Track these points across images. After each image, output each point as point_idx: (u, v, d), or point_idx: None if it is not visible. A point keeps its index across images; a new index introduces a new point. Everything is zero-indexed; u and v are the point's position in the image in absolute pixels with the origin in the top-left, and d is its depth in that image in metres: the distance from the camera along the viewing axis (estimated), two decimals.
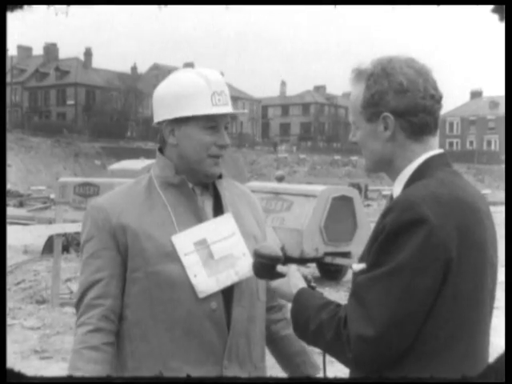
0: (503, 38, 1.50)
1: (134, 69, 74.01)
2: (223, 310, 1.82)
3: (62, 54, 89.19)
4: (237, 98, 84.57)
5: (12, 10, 1.65)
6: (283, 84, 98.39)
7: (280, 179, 14.38)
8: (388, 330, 1.45)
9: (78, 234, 11.92)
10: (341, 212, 9.92)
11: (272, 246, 1.78)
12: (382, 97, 1.59)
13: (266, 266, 1.74)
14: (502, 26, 1.47)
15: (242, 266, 1.87)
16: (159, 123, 1.89)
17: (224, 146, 1.87)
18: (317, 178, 44.49)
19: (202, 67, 1.93)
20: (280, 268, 1.74)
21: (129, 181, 1.98)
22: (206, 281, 1.82)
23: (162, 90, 1.87)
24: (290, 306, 1.71)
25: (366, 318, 1.46)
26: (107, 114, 66.33)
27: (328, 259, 9.89)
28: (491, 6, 1.52)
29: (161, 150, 1.93)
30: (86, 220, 1.88)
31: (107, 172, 16.87)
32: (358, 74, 1.65)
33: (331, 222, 9.82)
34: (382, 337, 1.44)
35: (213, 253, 1.86)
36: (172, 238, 1.83)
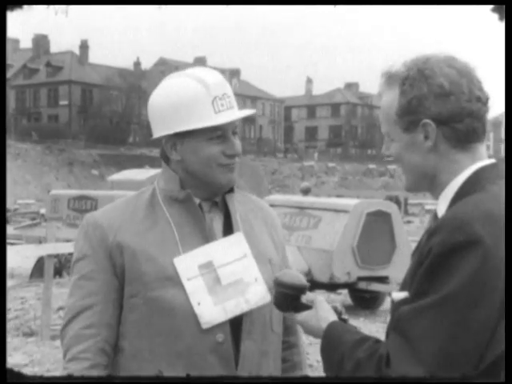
0: (503, 39, 1.59)
1: (137, 64, 74.68)
2: (231, 344, 1.82)
3: (54, 47, 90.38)
4: (255, 97, 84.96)
5: (12, 10, 1.76)
6: (309, 81, 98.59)
7: (306, 192, 14.37)
8: (440, 369, 1.44)
9: (72, 255, 11.92)
10: (377, 230, 9.87)
11: (295, 273, 1.76)
12: (421, 102, 1.58)
13: (290, 297, 1.73)
14: (502, 25, 1.57)
15: (254, 293, 1.86)
16: (159, 137, 1.91)
17: (234, 155, 1.88)
18: (348, 191, 44.40)
19: (201, 67, 1.93)
20: (306, 298, 1.73)
21: (131, 194, 1.99)
22: (211, 309, 1.81)
23: (156, 101, 1.89)
24: (301, 338, 1.68)
25: (413, 356, 1.45)
26: (106, 117, 66.95)
27: (362, 285, 9.83)
28: (491, 6, 1.63)
29: (167, 159, 1.95)
30: (80, 237, 1.89)
31: (106, 183, 17.00)
32: (390, 78, 1.64)
33: (365, 242, 9.77)
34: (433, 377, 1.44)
35: (220, 277, 1.86)
36: (174, 260, 1.83)
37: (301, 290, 1.73)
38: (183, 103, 1.83)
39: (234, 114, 1.86)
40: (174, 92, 1.85)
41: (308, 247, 9.96)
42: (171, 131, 1.85)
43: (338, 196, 28.79)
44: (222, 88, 1.86)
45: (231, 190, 1.95)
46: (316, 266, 9.79)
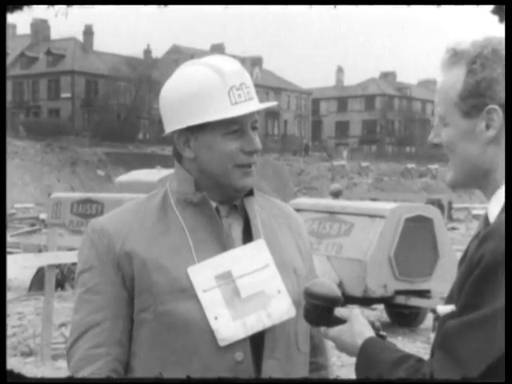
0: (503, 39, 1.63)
1: (147, 52, 75.02)
2: (251, 363, 1.82)
3: (55, 33, 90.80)
4: (279, 89, 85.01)
5: (12, 10, 1.85)
6: (340, 70, 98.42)
7: (336, 194, 14.34)
8: None
9: (75, 265, 12.05)
10: (417, 238, 9.83)
11: (328, 282, 1.77)
12: (491, 85, 1.57)
13: (321, 310, 1.73)
14: (502, 26, 1.64)
15: (277, 307, 1.86)
16: (171, 133, 1.92)
17: (253, 151, 1.88)
18: (384, 193, 44.24)
19: (217, 55, 1.94)
20: (339, 311, 1.73)
21: (141, 196, 2.00)
22: (229, 325, 1.82)
23: (167, 92, 1.90)
24: (330, 359, 1.68)
25: (460, 376, 1.44)
26: (113, 111, 67.32)
27: (400, 300, 9.79)
28: (491, 7, 1.70)
29: (180, 158, 1.95)
30: (85, 245, 1.91)
31: (113, 185, 17.09)
32: (455, 56, 1.63)
33: (404, 251, 9.74)
34: None
35: (239, 289, 1.86)
36: (189, 269, 1.83)
37: (334, 301, 1.73)
38: (195, 94, 1.84)
39: (253, 105, 1.87)
40: (185, 82, 1.86)
41: (339, 257, 9.94)
42: (183, 125, 1.86)
43: (373, 199, 28.68)
44: (239, 77, 1.87)
45: (250, 193, 1.96)
46: (348, 278, 9.76)
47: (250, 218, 1.94)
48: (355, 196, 33.94)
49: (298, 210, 2.14)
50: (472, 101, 1.59)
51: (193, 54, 75.95)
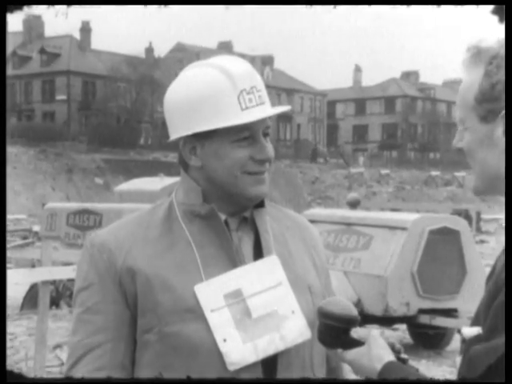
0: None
1: (149, 51, 75.27)
2: None
3: (49, 30, 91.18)
4: (292, 90, 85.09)
5: (12, 10, 1.94)
6: (358, 70, 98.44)
7: (354, 204, 14.31)
8: None
9: (71, 281, 12.07)
10: (442, 251, 9.81)
11: (344, 301, 1.77)
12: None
13: (336, 331, 1.73)
14: (502, 27, 1.69)
15: (291, 329, 1.86)
16: (176, 139, 1.92)
17: (265, 160, 1.88)
18: (406, 203, 44.13)
19: (225, 55, 1.94)
20: (356, 332, 1.73)
21: (143, 207, 2.01)
22: (239, 348, 1.82)
23: (172, 95, 1.91)
24: None
25: None
26: (112, 114, 67.52)
27: (424, 319, 9.76)
28: (491, 7, 1.76)
29: (186, 166, 1.96)
30: (84, 261, 1.91)
31: (113, 195, 17.10)
32: (476, 55, 1.63)
33: (428, 266, 9.71)
34: None
35: (250, 309, 1.86)
36: (195, 287, 1.84)
37: (351, 322, 1.73)
38: (202, 98, 1.84)
39: (265, 110, 1.87)
40: (191, 85, 1.87)
41: (357, 272, 9.93)
42: (189, 132, 1.86)
43: (394, 210, 28.63)
44: (250, 80, 1.87)
45: (261, 204, 1.96)
46: (367, 296, 9.74)
47: (259, 232, 1.94)
48: (374, 206, 33.87)
49: (312, 222, 2.15)
50: (488, 105, 1.60)
51: (198, 53, 76.17)
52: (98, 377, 1.83)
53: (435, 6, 2.05)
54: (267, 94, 1.91)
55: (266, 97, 1.90)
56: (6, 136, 2.03)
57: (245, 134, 1.86)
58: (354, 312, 1.74)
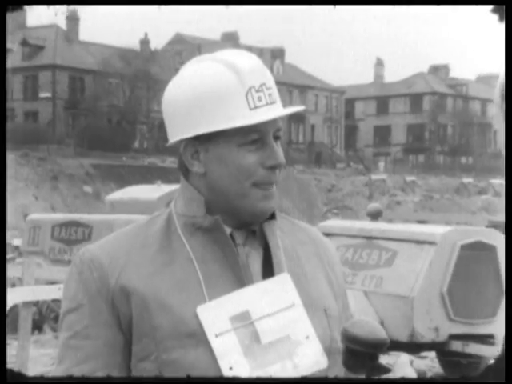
0: (503, 39, 1.76)
1: (144, 43, 75.45)
2: None
3: (32, 19, 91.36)
4: (305, 87, 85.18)
5: (12, 10, 2.03)
6: (379, 64, 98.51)
7: (375, 215, 14.30)
8: None
9: (57, 302, 12.06)
10: (476, 269, 9.78)
11: (370, 322, 1.78)
12: None
13: (362, 356, 1.74)
14: (502, 26, 1.79)
15: (305, 356, 1.87)
16: (176, 143, 1.93)
17: (276, 166, 1.89)
18: (434, 214, 44.01)
19: (230, 49, 1.95)
20: (383, 358, 1.74)
21: (137, 219, 2.01)
22: (247, 376, 1.82)
23: (172, 93, 1.92)
24: None
25: None
26: (103, 114, 67.63)
27: (456, 346, 9.72)
28: (491, 6, 1.87)
29: (186, 172, 1.97)
30: (71, 279, 1.92)
31: (104, 204, 17.13)
32: None
33: (460, 286, 9.68)
34: None
35: (259, 334, 1.86)
36: (198, 309, 1.84)
37: (378, 346, 1.74)
38: (206, 96, 1.85)
39: (276, 110, 1.88)
40: (193, 82, 1.87)
41: (379, 292, 9.91)
42: (191, 134, 1.87)
43: (420, 222, 28.56)
44: (259, 76, 1.87)
45: (272, 216, 1.96)
46: (390, 319, 9.72)
47: (270, 247, 1.94)
48: (398, 217, 33.74)
49: (328, 235, 2.15)
50: None
51: (199, 45, 76.36)
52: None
53: (435, 6, 2.17)
54: (278, 93, 1.92)
55: (277, 95, 1.90)
56: None
57: (253, 136, 1.86)
58: (383, 335, 1.75)
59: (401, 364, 1.73)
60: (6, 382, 1.82)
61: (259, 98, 1.86)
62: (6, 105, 2.14)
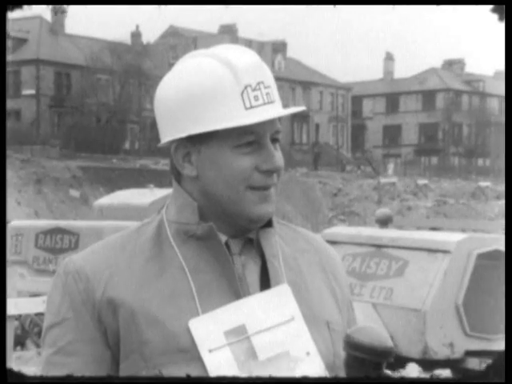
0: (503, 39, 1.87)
1: (135, 36, 75.51)
2: None
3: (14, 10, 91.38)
4: (309, 83, 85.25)
5: (12, 10, 2.13)
6: (389, 58, 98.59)
7: (384, 222, 14.31)
8: None
9: (41, 316, 12.05)
10: (493, 280, 9.78)
11: (375, 329, 1.79)
12: None
13: (366, 365, 1.75)
14: (502, 26, 1.90)
15: (305, 374, 1.86)
16: (167, 143, 1.93)
17: (272, 171, 1.89)
18: (449, 220, 44.00)
19: (227, 45, 1.95)
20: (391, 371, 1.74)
21: (128, 226, 2.01)
22: None
23: (164, 91, 1.93)
24: None
25: None
26: (91, 113, 67.63)
27: (472, 363, 9.72)
28: (491, 6, 1.97)
29: (179, 176, 1.97)
30: (55, 291, 1.93)
31: (92, 210, 17.12)
32: None
33: (477, 298, 9.69)
34: None
35: (256, 349, 1.86)
36: (190, 322, 1.84)
37: (384, 354, 1.75)
38: (198, 93, 1.86)
39: (274, 111, 1.88)
40: (186, 78, 1.88)
41: (388, 305, 9.91)
42: (182, 134, 1.88)
43: (433, 228, 28.57)
44: (256, 74, 1.88)
45: (268, 224, 1.96)
46: (401, 334, 9.72)
47: (266, 257, 1.94)
48: (410, 224, 33.73)
49: (333, 243, 2.16)
50: None
51: (195, 38, 76.43)
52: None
53: (435, 6, 2.26)
54: (278, 90, 1.92)
55: (277, 95, 1.91)
56: None
57: (249, 138, 1.87)
58: (389, 343, 1.76)
59: (409, 373, 1.75)
60: (6, 382, 1.86)
61: (256, 98, 1.86)
62: (5, 105, 2.19)
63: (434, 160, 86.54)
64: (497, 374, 1.63)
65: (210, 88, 1.86)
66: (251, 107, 1.86)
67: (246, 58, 1.88)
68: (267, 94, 1.88)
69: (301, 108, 1.94)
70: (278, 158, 1.89)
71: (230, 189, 1.87)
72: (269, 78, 1.90)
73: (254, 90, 1.86)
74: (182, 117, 1.88)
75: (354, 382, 1.76)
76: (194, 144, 1.89)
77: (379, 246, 10.42)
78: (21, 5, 2.23)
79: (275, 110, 1.88)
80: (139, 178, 43.61)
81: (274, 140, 1.90)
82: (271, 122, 1.88)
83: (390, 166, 74.91)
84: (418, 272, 9.88)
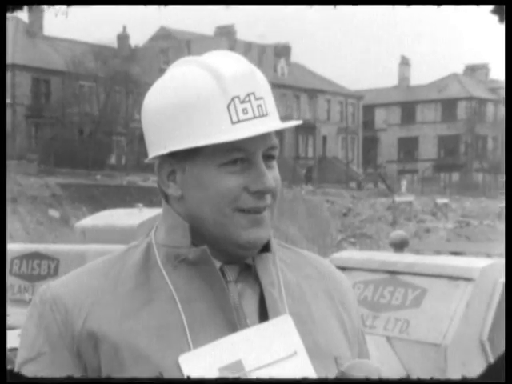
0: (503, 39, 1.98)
1: (122, 38, 75.77)
2: None
3: None
4: (315, 91, 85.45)
5: (12, 10, 2.23)
6: (404, 63, 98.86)
7: (400, 245, 14.30)
8: None
9: (14, 351, 12.02)
10: None
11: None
12: None
13: None
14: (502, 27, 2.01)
15: None
16: (152, 160, 1.95)
17: (262, 192, 1.88)
18: (472, 244, 44.05)
19: (220, 51, 1.95)
20: None
21: (114, 249, 2.01)
22: None
23: (149, 101, 1.94)
24: None
25: None
26: (73, 124, 67.75)
27: None
28: (491, 7, 2.08)
29: (167, 197, 1.98)
30: (31, 323, 1.93)
31: (74, 232, 17.09)
32: None
33: (504, 331, 9.67)
34: None
35: None
36: (180, 358, 1.84)
37: None
38: (181, 106, 1.87)
39: (264, 125, 1.87)
40: (170, 89, 1.89)
41: (405, 338, 9.90)
42: (164, 150, 1.89)
43: (455, 253, 28.60)
44: (246, 84, 1.88)
45: (266, 248, 1.96)
46: (419, 371, 9.71)
47: (262, 286, 1.93)
48: (428, 248, 33.75)
49: (343, 269, 2.16)
50: None
51: (189, 41, 76.67)
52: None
53: (436, 6, 2.35)
54: (281, 98, 1.92)
55: (271, 107, 1.90)
56: None
57: (236, 155, 1.86)
58: (384, 375, 1.79)
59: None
60: (5, 382, 1.90)
61: (244, 111, 1.86)
62: (5, 105, 2.24)
63: (455, 176, 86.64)
64: (497, 375, 1.76)
65: (193, 100, 1.86)
66: (238, 121, 1.85)
67: (235, 67, 1.88)
68: (259, 106, 1.88)
69: (296, 122, 1.93)
70: (271, 177, 1.88)
71: (216, 211, 1.87)
72: (262, 88, 1.89)
73: (242, 102, 1.86)
74: (165, 131, 1.89)
75: (354, 382, 1.81)
76: (178, 161, 1.90)
77: (394, 273, 10.41)
78: (21, 5, 2.32)
79: (267, 124, 1.87)
80: (126, 197, 43.71)
81: (269, 157, 1.90)
82: (263, 137, 1.87)
83: (404, 183, 74.81)
84: (438, 302, 9.87)
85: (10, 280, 14.68)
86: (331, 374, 1.92)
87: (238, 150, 1.85)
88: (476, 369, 9.65)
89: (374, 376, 1.77)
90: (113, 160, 68.53)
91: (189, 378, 1.81)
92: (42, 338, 1.89)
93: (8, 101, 71.17)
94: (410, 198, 64.43)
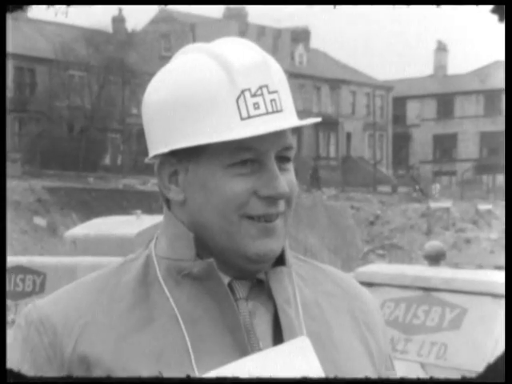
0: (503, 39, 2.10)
1: (118, 21, 75.80)
2: None
3: None
4: (338, 81, 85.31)
5: (12, 10, 2.30)
6: (441, 49, 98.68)
7: (436, 258, 14.29)
8: None
9: None
10: None
11: None
12: None
13: None
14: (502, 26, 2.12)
15: None
16: (152, 160, 1.95)
17: (274, 197, 1.86)
18: None
19: (231, 38, 1.95)
20: None
21: (108, 262, 2.02)
22: None
23: (149, 93, 1.94)
24: None
25: None
26: (62, 119, 67.76)
27: None
28: (491, 6, 2.19)
29: (169, 203, 1.98)
30: (14, 347, 1.94)
31: (63, 243, 17.10)
32: None
33: None
34: None
35: None
36: None
37: None
38: (184, 100, 1.86)
39: (278, 122, 1.86)
40: (171, 80, 1.89)
41: (442, 365, 9.89)
42: (165, 149, 1.89)
43: (499, 267, 28.60)
44: (259, 76, 1.87)
45: (281, 261, 1.96)
46: None
47: (277, 304, 1.93)
48: (469, 261, 33.73)
49: (369, 285, 2.17)
50: None
51: (193, 25, 76.58)
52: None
53: (435, 6, 2.48)
54: (299, 89, 1.93)
55: (287, 101, 1.90)
56: None
57: (245, 155, 1.86)
58: None
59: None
60: (5, 382, 1.90)
61: (255, 105, 1.85)
62: (6, 105, 2.30)
63: (500, 179, 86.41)
64: (497, 375, 1.93)
65: (198, 92, 1.85)
66: (248, 117, 1.84)
67: (245, 56, 1.87)
68: (272, 100, 1.86)
69: (316, 119, 1.92)
70: (285, 181, 1.87)
71: (222, 218, 1.87)
72: (276, 80, 1.88)
73: (253, 95, 1.85)
74: (166, 127, 1.89)
75: (353, 382, 1.87)
76: (180, 161, 1.90)
77: (429, 290, 10.40)
78: (21, 5, 2.39)
79: (281, 120, 1.86)
80: (122, 202, 43.77)
81: (284, 158, 1.89)
82: (277, 135, 1.86)
83: (437, 187, 74.48)
84: (480, 323, 9.87)
85: None
86: None
87: (247, 149, 1.84)
88: None
89: None
90: (107, 160, 68.59)
91: (189, 377, 1.82)
92: (28, 363, 1.90)
93: None
94: (448, 203, 64.23)
